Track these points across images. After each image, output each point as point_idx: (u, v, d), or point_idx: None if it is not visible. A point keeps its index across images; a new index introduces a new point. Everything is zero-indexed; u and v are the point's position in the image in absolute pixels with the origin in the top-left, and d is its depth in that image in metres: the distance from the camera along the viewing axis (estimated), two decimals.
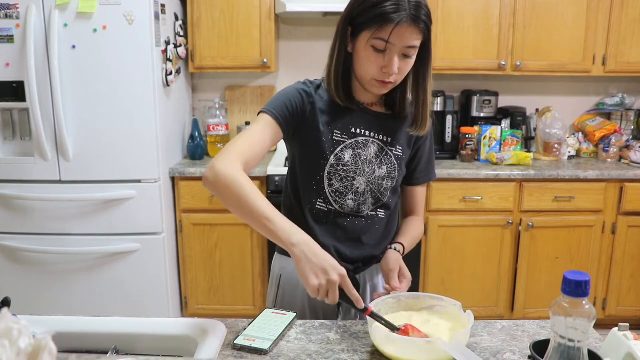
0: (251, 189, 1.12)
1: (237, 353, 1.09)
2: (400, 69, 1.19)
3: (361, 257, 1.36)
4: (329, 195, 1.31)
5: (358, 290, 1.34)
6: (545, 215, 2.87)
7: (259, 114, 1.27)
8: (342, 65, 1.25)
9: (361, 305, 1.07)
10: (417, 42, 1.19)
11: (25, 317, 1.10)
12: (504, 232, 2.89)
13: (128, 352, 1.14)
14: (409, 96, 1.31)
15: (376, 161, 1.31)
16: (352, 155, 1.29)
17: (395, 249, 1.34)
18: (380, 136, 1.32)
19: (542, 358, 0.83)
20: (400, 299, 1.20)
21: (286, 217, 1.12)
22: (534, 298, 2.96)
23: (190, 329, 1.15)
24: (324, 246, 1.16)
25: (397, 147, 1.34)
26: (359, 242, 1.35)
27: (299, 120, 1.27)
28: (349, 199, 1.31)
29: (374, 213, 1.36)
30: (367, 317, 1.08)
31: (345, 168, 1.29)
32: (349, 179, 1.30)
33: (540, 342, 1.00)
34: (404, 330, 1.08)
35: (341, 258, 1.32)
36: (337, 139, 1.29)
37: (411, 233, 1.42)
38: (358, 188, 1.31)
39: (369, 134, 1.31)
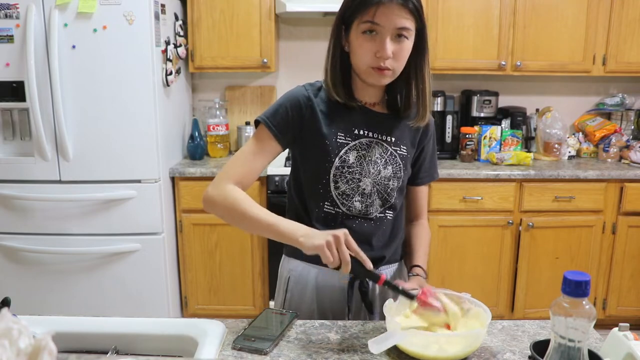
0: (247, 202, 1.21)
1: (237, 353, 1.09)
2: (395, 53, 1.18)
3: (370, 259, 1.35)
4: (335, 198, 1.30)
5: (367, 297, 1.33)
6: (545, 215, 2.87)
7: (256, 122, 1.29)
8: (339, 60, 1.25)
9: (369, 265, 1.12)
10: (408, 23, 1.17)
11: (25, 317, 1.11)
12: (504, 232, 2.89)
13: (128, 352, 1.14)
14: (413, 93, 1.30)
15: (381, 162, 1.31)
16: (356, 157, 1.28)
17: (416, 275, 1.33)
18: (384, 136, 1.31)
19: (542, 358, 0.83)
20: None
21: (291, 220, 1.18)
22: (534, 298, 2.96)
23: (190, 329, 1.15)
24: None
25: (402, 147, 1.33)
26: (369, 244, 1.34)
27: (297, 129, 1.27)
28: (355, 201, 1.31)
29: (382, 215, 1.35)
30: (384, 313, 1.09)
31: (350, 170, 1.28)
32: (354, 180, 1.29)
33: (540, 342, 1.01)
34: (421, 296, 1.10)
35: (355, 260, 1.30)
36: (340, 141, 1.27)
37: (424, 246, 1.42)
38: (364, 189, 1.30)
39: (372, 134, 1.30)
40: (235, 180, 1.25)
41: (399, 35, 1.17)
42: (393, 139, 1.32)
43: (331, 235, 1.09)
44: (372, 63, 1.19)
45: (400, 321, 1.12)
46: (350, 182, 1.29)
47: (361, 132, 1.29)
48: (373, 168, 1.30)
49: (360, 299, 1.34)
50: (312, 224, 1.32)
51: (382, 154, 1.31)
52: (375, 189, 1.31)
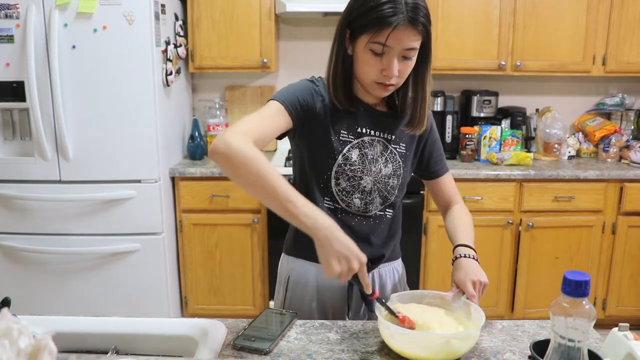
0: (269, 167, 1.07)
1: (237, 353, 1.09)
2: (400, 71, 1.19)
3: (369, 257, 1.34)
4: (335, 194, 1.31)
5: (367, 295, 1.34)
6: (545, 215, 2.87)
7: (268, 101, 1.24)
8: (342, 68, 1.24)
9: (369, 290, 1.13)
10: (416, 44, 1.18)
11: (25, 317, 1.11)
12: (504, 232, 2.89)
13: (128, 352, 1.14)
14: (410, 94, 1.30)
15: (382, 160, 1.32)
16: (359, 155, 1.29)
17: (467, 256, 1.27)
18: (384, 134, 1.32)
19: (542, 358, 0.83)
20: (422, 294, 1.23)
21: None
22: (534, 298, 2.96)
23: (190, 329, 1.15)
24: None
25: (401, 144, 1.34)
26: (368, 242, 1.35)
27: (309, 115, 1.26)
28: (355, 198, 1.31)
29: (382, 213, 1.36)
30: (377, 314, 1.11)
31: (352, 168, 1.29)
32: (356, 178, 1.30)
33: (541, 342, 1.01)
34: (400, 320, 1.12)
35: None
36: (343, 138, 1.28)
37: (462, 225, 1.38)
38: (365, 187, 1.31)
39: (374, 132, 1.31)
40: (253, 138, 1.11)
41: (405, 56, 1.18)
42: (393, 137, 1.33)
43: (347, 267, 1.05)
44: (377, 79, 1.20)
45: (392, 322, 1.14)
46: (352, 180, 1.30)
47: (364, 130, 1.30)
48: (374, 166, 1.31)
49: (360, 297, 1.35)
50: None
51: (383, 152, 1.32)
52: (375, 187, 1.32)
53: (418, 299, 1.22)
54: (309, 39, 3.30)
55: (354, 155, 1.28)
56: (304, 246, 1.33)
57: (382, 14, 1.12)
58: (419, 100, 1.29)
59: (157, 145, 2.67)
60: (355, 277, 1.11)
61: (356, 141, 1.29)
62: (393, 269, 1.44)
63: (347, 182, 1.30)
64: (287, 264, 1.42)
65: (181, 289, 2.99)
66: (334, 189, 1.30)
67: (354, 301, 1.36)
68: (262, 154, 1.09)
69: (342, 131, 1.28)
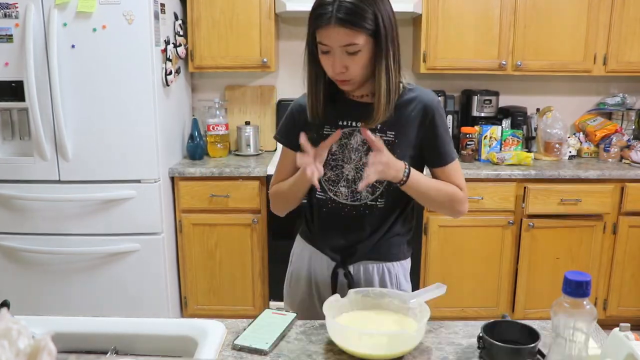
0: (278, 188, 1.48)
1: (237, 353, 1.09)
2: (348, 66, 1.25)
3: (361, 246, 1.42)
4: (323, 183, 1.41)
5: (352, 284, 1.41)
6: (545, 215, 2.86)
7: (276, 138, 1.51)
8: (313, 67, 1.35)
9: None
10: (354, 39, 1.22)
11: (24, 317, 1.10)
12: (505, 232, 2.88)
13: (128, 352, 1.14)
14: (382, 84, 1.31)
15: (363, 148, 1.36)
16: (339, 145, 1.37)
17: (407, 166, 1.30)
18: (366, 124, 1.35)
19: (493, 339, 0.88)
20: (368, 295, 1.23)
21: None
22: (534, 298, 2.96)
23: (190, 329, 1.15)
24: (327, 233, 1.42)
25: (388, 132, 1.35)
26: (357, 230, 1.41)
27: (298, 134, 1.34)
28: (341, 186, 1.39)
29: (373, 203, 1.39)
30: (323, 312, 1.12)
31: (334, 157, 1.38)
32: (338, 167, 1.38)
33: (492, 323, 1.05)
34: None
35: (341, 245, 1.42)
36: (326, 133, 1.37)
37: (440, 183, 1.38)
38: (348, 175, 1.38)
39: (356, 124, 1.36)
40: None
41: (348, 51, 1.24)
42: (378, 126, 1.35)
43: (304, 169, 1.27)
44: (333, 75, 1.30)
45: (340, 321, 1.15)
46: (335, 169, 1.39)
47: (345, 123, 1.37)
48: (354, 155, 1.37)
49: (347, 287, 1.38)
50: (310, 207, 1.47)
51: (365, 140, 1.33)
52: (359, 175, 1.37)
53: (378, 297, 1.22)
54: None
55: (334, 146, 1.37)
56: (307, 230, 1.51)
57: (314, 15, 1.26)
58: (376, 94, 1.30)
59: (157, 145, 2.66)
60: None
61: None
62: (384, 268, 1.43)
63: (332, 172, 1.39)
64: (297, 245, 1.56)
65: (181, 289, 2.99)
66: (321, 179, 1.39)
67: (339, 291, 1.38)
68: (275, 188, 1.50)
69: (325, 126, 1.38)
